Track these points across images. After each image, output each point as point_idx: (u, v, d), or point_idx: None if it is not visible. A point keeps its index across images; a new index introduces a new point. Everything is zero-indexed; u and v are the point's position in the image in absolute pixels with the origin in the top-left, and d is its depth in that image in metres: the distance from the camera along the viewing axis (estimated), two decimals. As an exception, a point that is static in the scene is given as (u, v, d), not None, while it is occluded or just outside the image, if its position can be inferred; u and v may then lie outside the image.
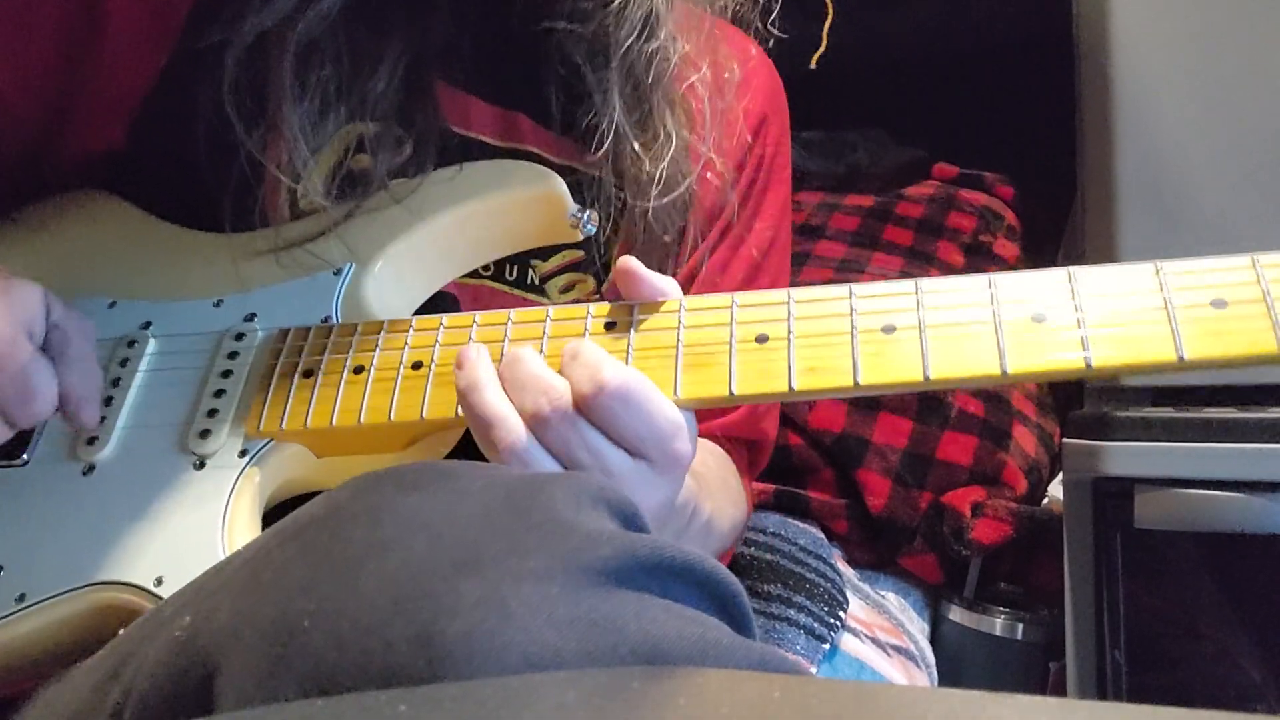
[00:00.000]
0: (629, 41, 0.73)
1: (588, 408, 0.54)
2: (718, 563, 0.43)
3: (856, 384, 0.55)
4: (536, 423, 0.55)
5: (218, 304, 0.68)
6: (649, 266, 0.67)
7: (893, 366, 0.55)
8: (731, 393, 0.57)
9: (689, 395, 0.57)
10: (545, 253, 0.75)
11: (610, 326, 0.61)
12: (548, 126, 0.76)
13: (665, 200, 0.76)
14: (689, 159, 0.78)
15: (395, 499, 0.42)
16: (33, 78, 0.70)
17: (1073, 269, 0.56)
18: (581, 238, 0.69)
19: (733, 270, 0.85)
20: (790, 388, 0.56)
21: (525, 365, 0.56)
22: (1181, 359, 0.52)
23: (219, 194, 0.68)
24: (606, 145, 0.74)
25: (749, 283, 0.86)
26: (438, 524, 0.40)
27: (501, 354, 0.60)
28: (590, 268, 0.77)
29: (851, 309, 0.57)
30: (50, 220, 0.74)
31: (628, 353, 0.59)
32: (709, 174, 0.81)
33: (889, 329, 0.56)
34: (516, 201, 0.68)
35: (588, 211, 0.68)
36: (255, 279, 0.69)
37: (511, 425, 0.55)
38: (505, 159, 0.71)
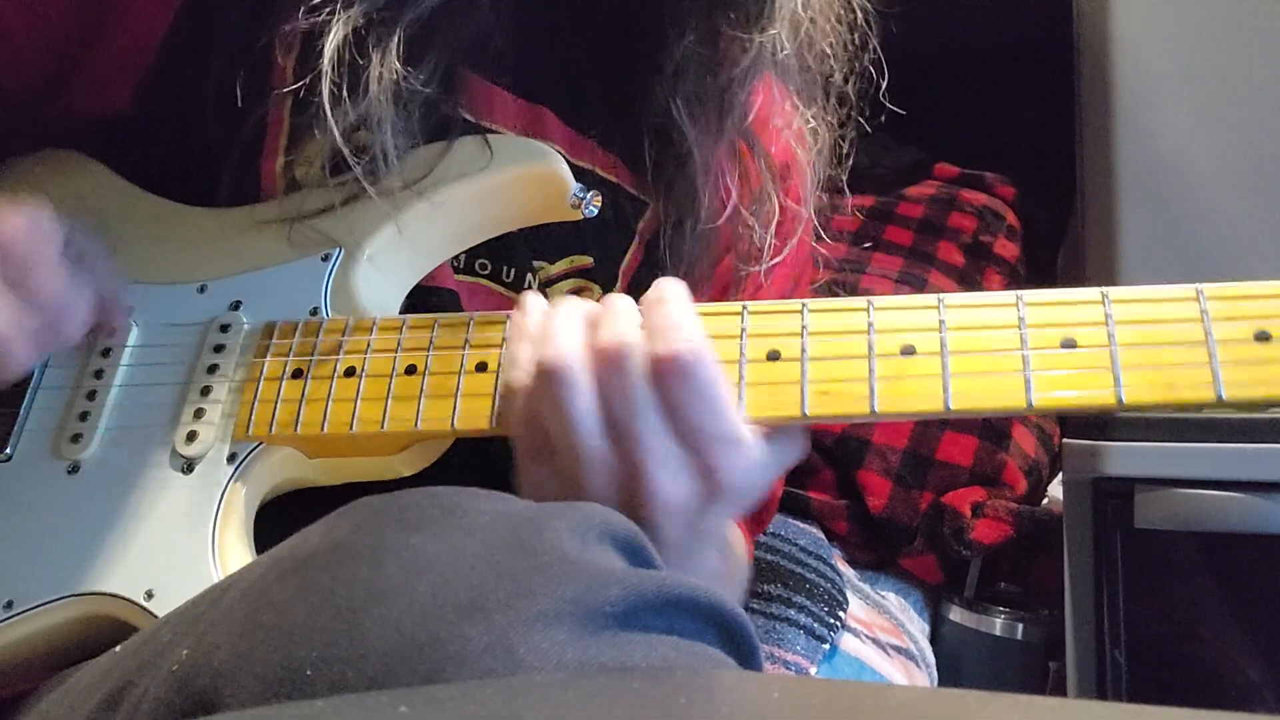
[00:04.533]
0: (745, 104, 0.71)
1: (656, 369, 0.52)
2: (723, 594, 0.43)
3: (873, 411, 0.52)
4: (604, 361, 0.52)
5: (202, 289, 0.66)
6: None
7: (911, 394, 0.52)
8: (742, 416, 0.54)
9: None
10: (552, 255, 0.73)
11: None
12: (572, 125, 0.74)
13: (774, 262, 0.75)
14: (790, 220, 0.77)
15: (398, 539, 0.41)
16: (47, 23, 0.68)
17: (1107, 289, 0.53)
18: (582, 218, 0.66)
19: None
20: (803, 413, 0.53)
21: (618, 305, 0.54)
22: (1220, 399, 0.49)
23: (217, 160, 0.67)
24: (704, 206, 0.72)
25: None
26: (442, 566, 0.39)
27: (499, 362, 0.58)
28: (599, 275, 0.75)
29: (870, 325, 0.54)
30: (28, 183, 0.71)
31: None
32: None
33: (908, 351, 0.53)
34: (514, 179, 0.66)
35: (590, 192, 0.65)
36: (240, 262, 0.67)
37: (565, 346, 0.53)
38: (505, 135, 0.69)
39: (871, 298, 0.55)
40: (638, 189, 0.76)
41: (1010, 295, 0.54)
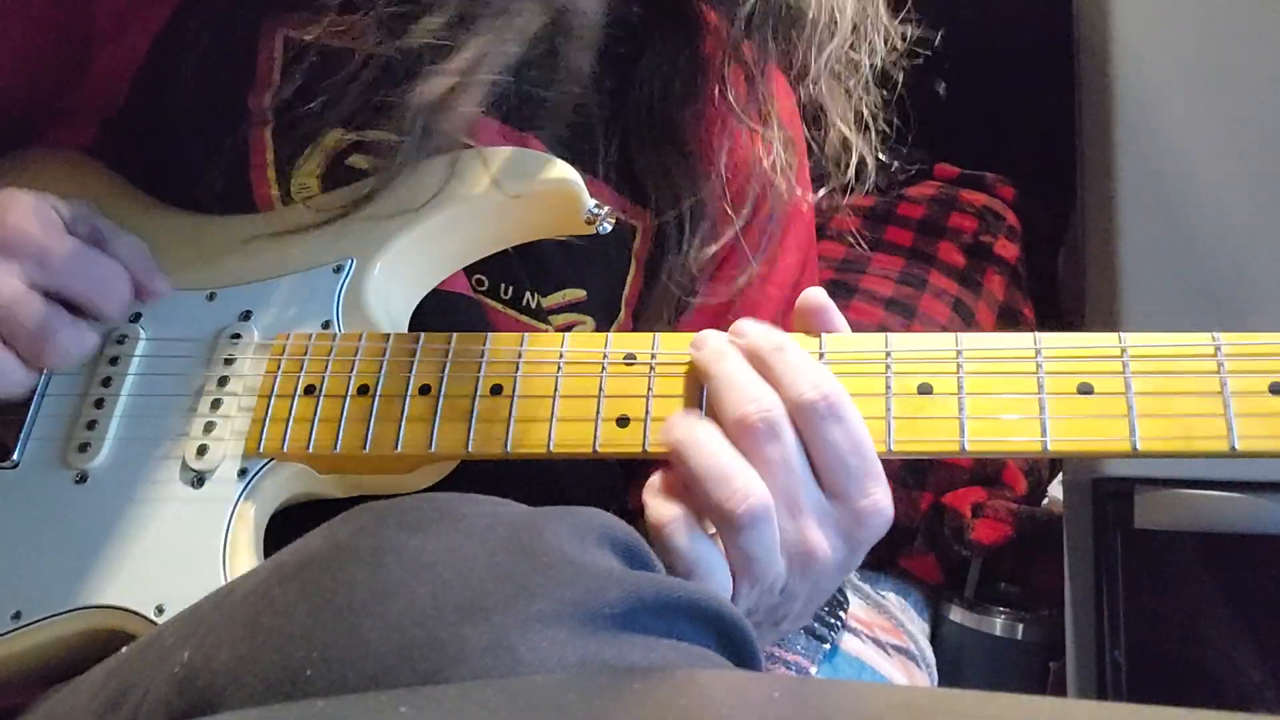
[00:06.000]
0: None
1: (802, 416, 0.51)
2: (722, 597, 0.43)
3: (889, 450, 0.53)
4: (752, 438, 0.51)
5: (211, 297, 0.66)
6: (661, 308, 0.67)
7: (928, 433, 0.54)
8: None
9: None
10: (545, 288, 0.72)
11: (630, 359, 0.58)
12: (559, 153, 0.73)
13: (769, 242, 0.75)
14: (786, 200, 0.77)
15: (398, 540, 0.41)
16: (23, 65, 0.69)
17: (1125, 335, 0.54)
18: (596, 234, 0.66)
19: (763, 311, 0.81)
20: None
21: (738, 374, 0.53)
22: (1234, 449, 0.50)
23: (210, 175, 0.67)
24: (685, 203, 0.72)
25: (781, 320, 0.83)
26: (441, 567, 0.40)
27: (514, 386, 0.58)
28: (593, 309, 0.74)
29: (888, 366, 0.55)
30: (29, 176, 0.70)
31: (647, 395, 0.57)
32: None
33: (925, 389, 0.54)
34: (530, 193, 0.65)
35: (605, 209, 0.65)
36: (250, 270, 0.66)
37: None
38: (520, 148, 0.68)
39: (889, 334, 0.56)
40: (627, 213, 0.75)
41: (1028, 339, 0.55)
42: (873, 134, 0.77)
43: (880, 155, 0.78)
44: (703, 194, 0.74)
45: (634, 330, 0.74)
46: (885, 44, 0.76)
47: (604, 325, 0.75)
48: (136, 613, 0.56)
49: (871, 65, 0.76)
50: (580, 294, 0.74)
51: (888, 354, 0.56)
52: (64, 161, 0.72)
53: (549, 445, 0.57)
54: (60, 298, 0.60)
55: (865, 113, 0.77)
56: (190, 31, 0.68)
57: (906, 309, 1.34)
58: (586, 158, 0.74)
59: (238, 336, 0.64)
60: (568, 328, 0.73)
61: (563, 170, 0.66)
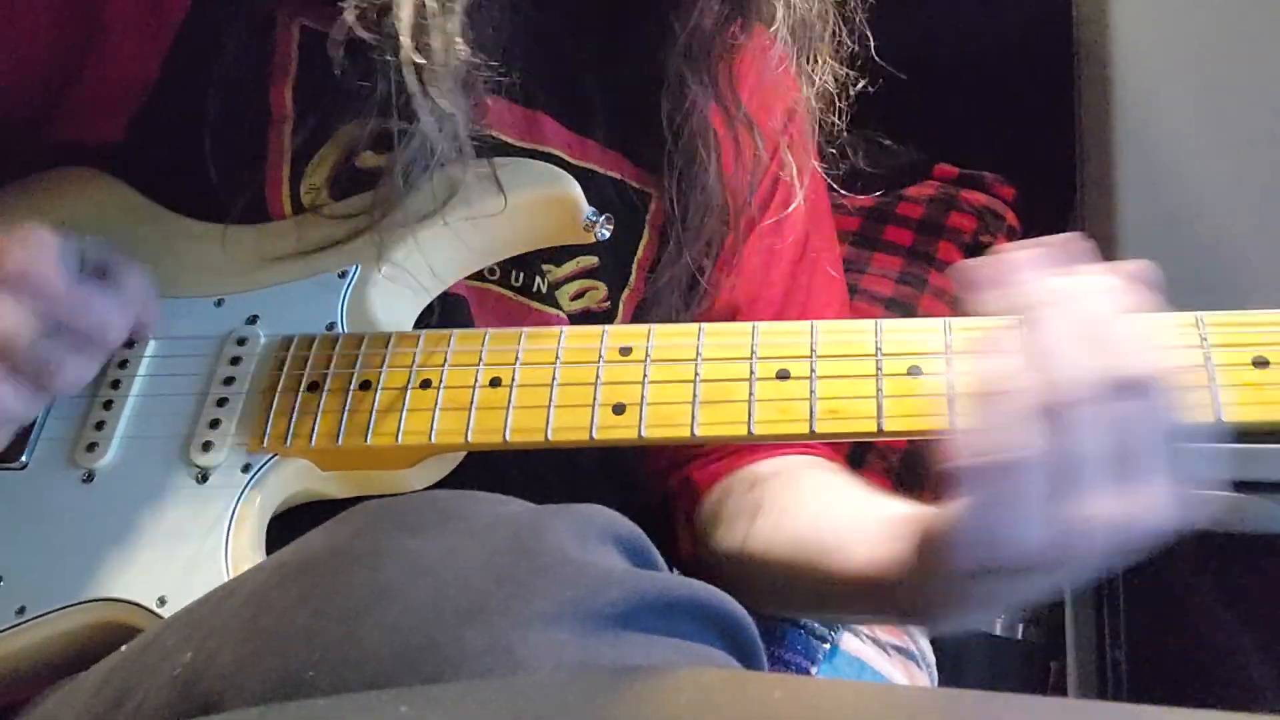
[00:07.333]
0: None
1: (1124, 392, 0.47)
2: (725, 595, 0.43)
3: (880, 429, 0.55)
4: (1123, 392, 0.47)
5: (219, 303, 0.67)
6: (673, 272, 0.69)
7: (918, 412, 0.55)
8: (750, 432, 0.56)
9: (706, 432, 0.56)
10: (559, 257, 0.74)
11: (625, 351, 0.60)
12: (571, 127, 0.75)
13: (779, 217, 0.76)
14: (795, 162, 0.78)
15: (397, 541, 0.41)
16: (26, 57, 0.69)
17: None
18: (594, 241, 0.68)
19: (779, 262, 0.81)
20: (811, 430, 0.55)
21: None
22: (1219, 420, 0.51)
23: (223, 184, 0.67)
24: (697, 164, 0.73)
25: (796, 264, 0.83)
26: (441, 569, 0.40)
27: (513, 377, 0.60)
28: (604, 275, 0.75)
29: (878, 348, 0.57)
30: (44, 198, 0.72)
31: (643, 382, 0.58)
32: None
33: (915, 371, 0.55)
34: (530, 203, 0.67)
35: (603, 216, 0.67)
36: (257, 277, 0.67)
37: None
38: (520, 158, 0.69)
39: (880, 320, 0.57)
40: (641, 182, 0.76)
41: (1014, 319, 0.55)
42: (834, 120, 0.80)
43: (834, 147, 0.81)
44: (697, 165, 0.74)
45: (645, 297, 0.76)
46: (849, 43, 0.78)
47: (615, 290, 0.76)
48: (139, 604, 0.57)
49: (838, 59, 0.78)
50: (592, 260, 0.75)
51: (878, 338, 0.57)
52: (78, 180, 0.72)
53: (547, 433, 0.58)
54: (65, 330, 0.60)
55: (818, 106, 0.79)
56: (210, 20, 0.68)
57: (906, 309, 1.34)
58: (596, 130, 0.75)
59: (244, 339, 0.65)
60: (580, 295, 0.74)
61: (560, 179, 0.67)
